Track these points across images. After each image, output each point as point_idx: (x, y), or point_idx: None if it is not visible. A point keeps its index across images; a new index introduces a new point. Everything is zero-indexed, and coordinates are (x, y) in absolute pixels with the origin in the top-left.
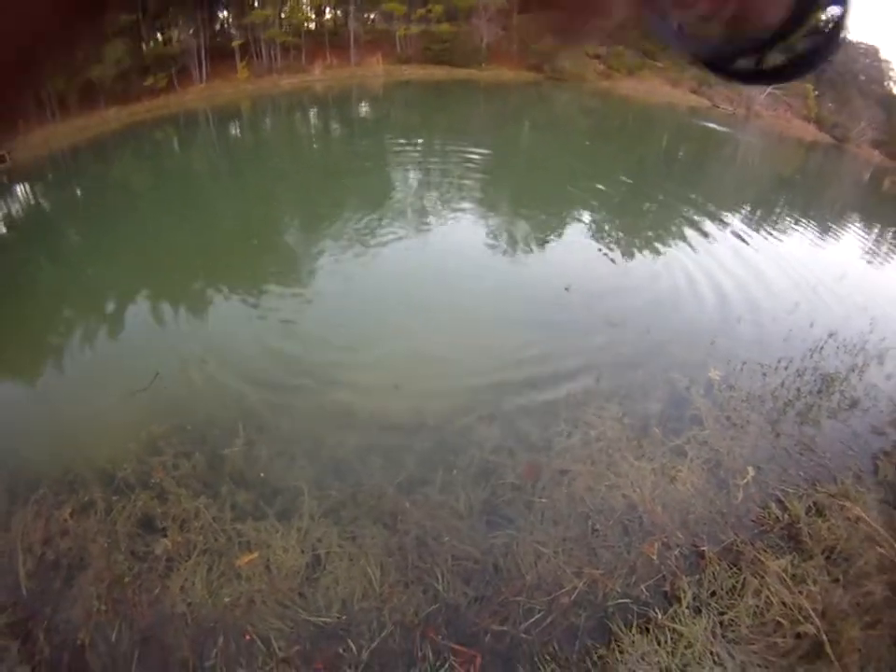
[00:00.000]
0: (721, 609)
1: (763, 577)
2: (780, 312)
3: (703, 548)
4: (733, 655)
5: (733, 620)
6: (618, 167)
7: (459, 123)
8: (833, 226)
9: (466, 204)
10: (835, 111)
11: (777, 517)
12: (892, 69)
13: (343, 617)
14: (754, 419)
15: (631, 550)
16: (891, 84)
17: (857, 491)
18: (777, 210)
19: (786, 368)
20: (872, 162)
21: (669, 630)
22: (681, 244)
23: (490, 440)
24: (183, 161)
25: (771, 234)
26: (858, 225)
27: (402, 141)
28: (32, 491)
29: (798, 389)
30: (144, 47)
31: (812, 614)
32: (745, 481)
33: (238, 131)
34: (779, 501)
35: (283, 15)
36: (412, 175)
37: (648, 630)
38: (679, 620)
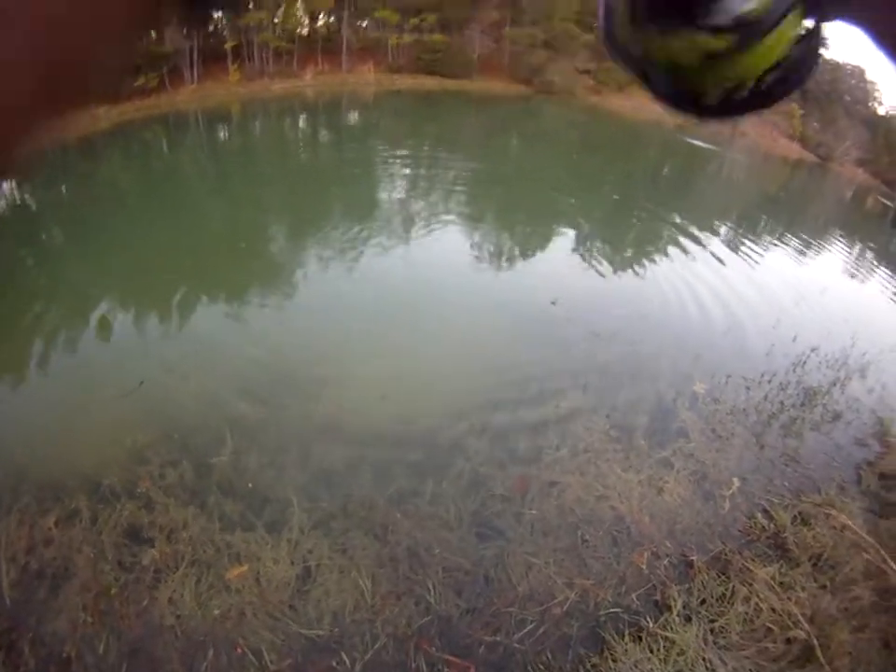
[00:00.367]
0: (711, 617)
1: (751, 584)
2: (764, 326)
3: (691, 557)
4: (724, 661)
5: (723, 627)
6: (605, 182)
7: (449, 134)
8: (816, 242)
9: (453, 216)
10: (820, 130)
11: (764, 526)
12: (877, 90)
13: (336, 629)
14: (739, 432)
15: (621, 560)
16: (876, 104)
17: (841, 501)
18: (762, 226)
19: (769, 381)
20: (855, 181)
21: (661, 638)
22: (667, 258)
23: (479, 452)
24: (172, 162)
25: (755, 250)
26: (840, 241)
27: (391, 150)
28: (15, 499)
29: (782, 402)
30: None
31: (801, 619)
32: (731, 491)
33: (228, 134)
34: (765, 511)
35: (276, 19)
36: (399, 184)
37: (640, 638)
38: (671, 628)
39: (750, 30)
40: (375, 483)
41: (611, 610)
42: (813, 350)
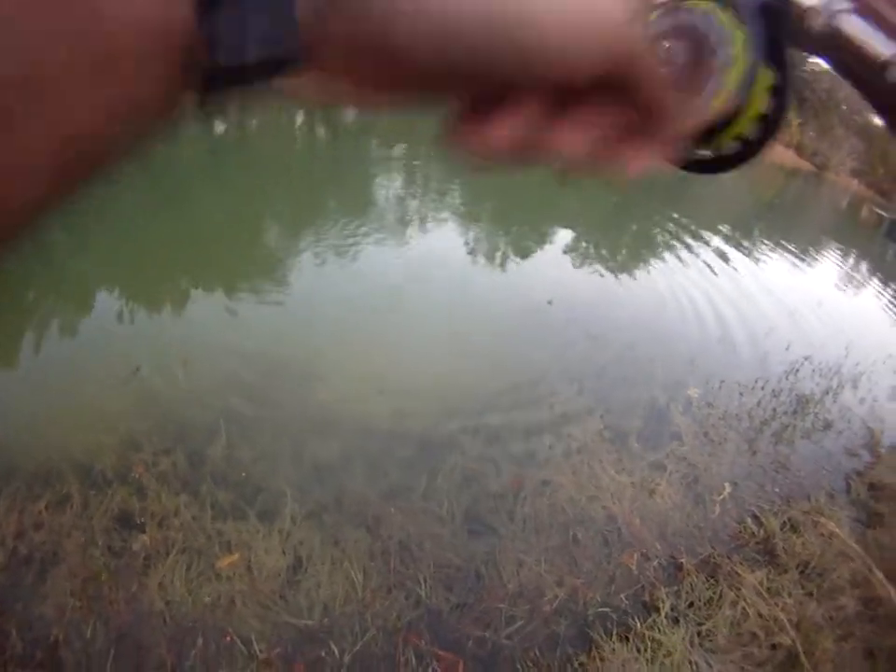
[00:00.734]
0: (698, 620)
1: (739, 589)
2: (758, 333)
3: (681, 560)
4: (710, 664)
5: (710, 630)
6: (602, 183)
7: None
8: (811, 251)
9: (449, 214)
10: (817, 139)
11: (753, 532)
12: None
13: (325, 620)
14: (731, 437)
15: (611, 560)
16: (871, 114)
17: (830, 509)
18: (757, 233)
19: (762, 388)
20: (850, 191)
21: (649, 639)
22: (663, 262)
23: (473, 449)
24: (167, 153)
25: (750, 256)
26: (835, 251)
27: (387, 147)
28: (5, 483)
29: (774, 409)
30: None
31: (787, 626)
32: (722, 496)
33: (222, 127)
34: (755, 517)
35: None
36: (396, 181)
37: (627, 639)
38: (658, 629)
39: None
40: (369, 476)
41: (600, 610)
42: (806, 359)
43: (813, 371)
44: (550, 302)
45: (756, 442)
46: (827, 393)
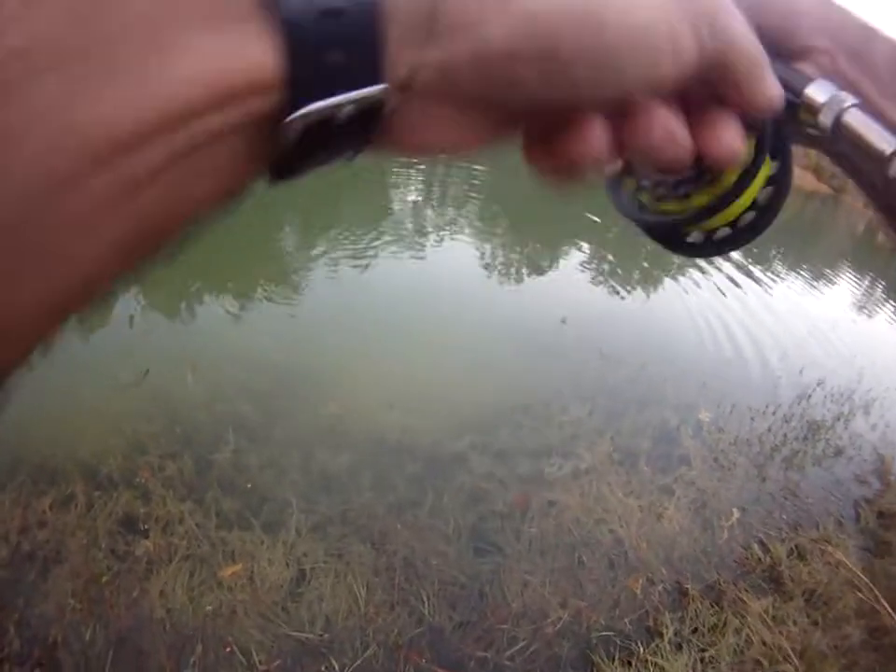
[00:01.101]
0: (702, 646)
1: (744, 616)
2: (771, 356)
3: (686, 586)
4: None
5: (713, 657)
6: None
7: None
8: (827, 274)
9: (464, 227)
10: None
11: (760, 559)
12: None
13: (326, 634)
14: (741, 462)
15: (616, 584)
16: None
17: (838, 537)
18: (773, 255)
19: (774, 413)
20: (867, 214)
21: (651, 664)
22: (676, 282)
23: (481, 466)
24: None
25: (766, 278)
26: (851, 275)
27: (405, 157)
28: (11, 479)
29: (785, 435)
30: None
31: (791, 654)
32: (729, 522)
33: None
34: (762, 543)
35: None
36: (412, 192)
37: (630, 663)
38: (662, 654)
39: (725, 203)
40: (376, 490)
41: (603, 633)
42: (819, 384)
43: (825, 396)
44: (563, 321)
45: (766, 468)
46: (838, 419)
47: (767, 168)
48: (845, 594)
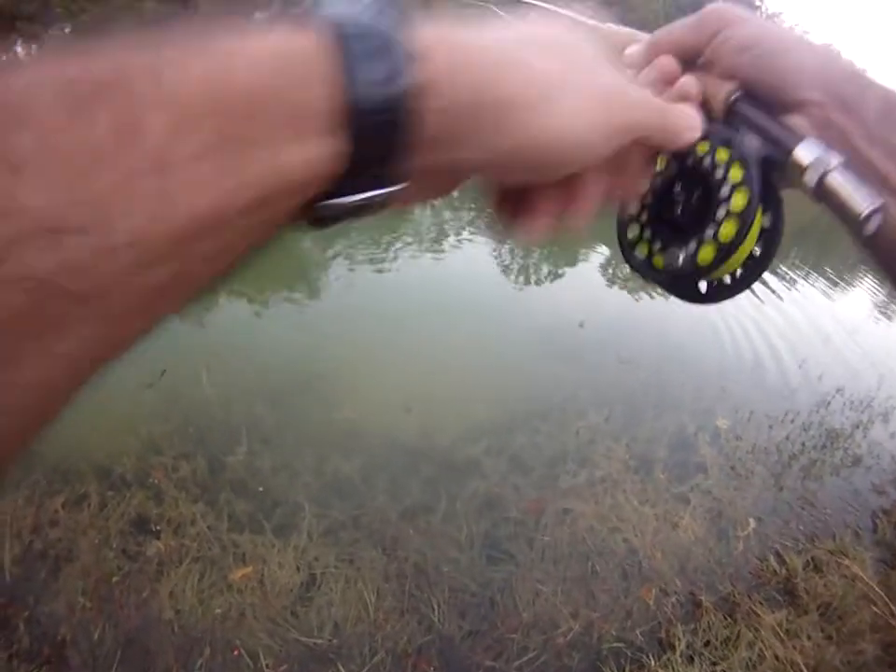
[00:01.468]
0: (713, 660)
1: (757, 630)
2: (790, 362)
3: (700, 597)
4: None
5: (725, 670)
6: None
7: None
8: (846, 279)
9: (483, 228)
10: None
11: (775, 570)
12: None
13: (335, 640)
14: (758, 471)
15: (629, 594)
16: None
17: (855, 549)
18: (791, 258)
19: (792, 421)
20: None
21: None
22: None
23: (496, 472)
24: None
25: (785, 282)
26: (870, 279)
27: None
28: (25, 476)
29: (803, 444)
30: None
31: (804, 669)
32: (745, 532)
33: None
34: (778, 555)
35: None
36: None
37: None
38: (673, 667)
39: (727, 253)
40: (390, 495)
41: (615, 645)
42: (838, 391)
43: (844, 403)
44: (581, 325)
45: (783, 477)
46: (857, 427)
47: (759, 220)
48: (860, 608)
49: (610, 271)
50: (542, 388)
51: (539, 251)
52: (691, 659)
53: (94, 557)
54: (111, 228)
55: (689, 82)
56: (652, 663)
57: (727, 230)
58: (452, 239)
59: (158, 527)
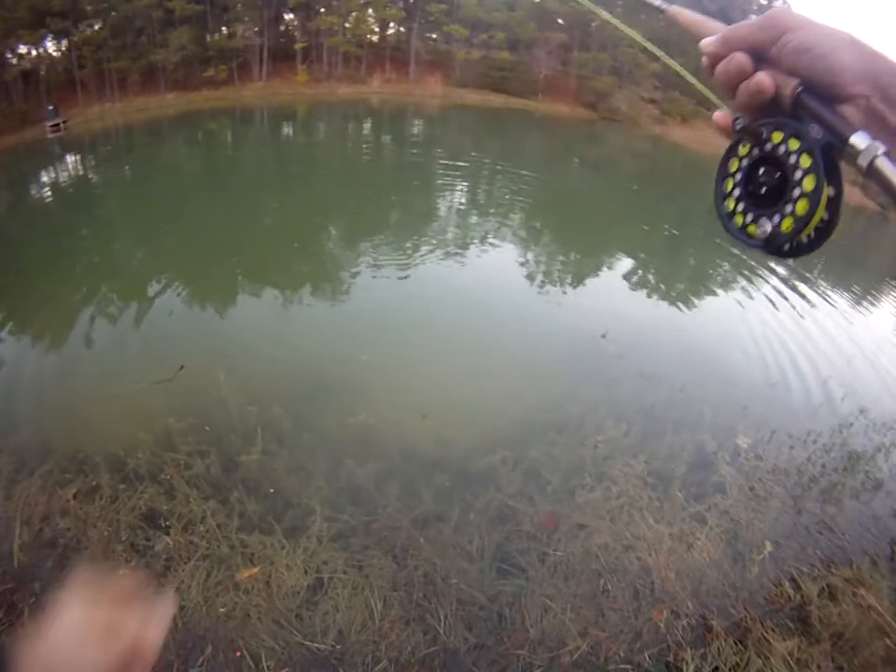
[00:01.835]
0: None
1: (767, 658)
2: (814, 381)
3: (711, 621)
4: None
5: None
6: (662, 215)
7: (511, 153)
8: (872, 295)
9: (507, 234)
10: None
11: (789, 596)
12: None
13: (338, 646)
14: (777, 492)
15: (639, 615)
16: None
17: (871, 577)
18: (816, 274)
19: (814, 442)
20: None
21: None
22: (719, 300)
23: (511, 483)
24: (234, 154)
25: (810, 298)
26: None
27: (453, 164)
28: (40, 463)
29: (824, 466)
30: (208, 37)
31: None
32: (761, 555)
33: (291, 132)
34: (793, 580)
35: (347, 24)
36: (457, 198)
37: None
38: None
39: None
40: (402, 502)
41: (621, 666)
42: (861, 412)
43: (867, 425)
44: (604, 336)
45: (802, 500)
46: (879, 450)
47: (826, 193)
48: (873, 639)
49: (634, 281)
50: (562, 399)
51: (564, 258)
52: None
53: (103, 549)
54: None
55: (764, 77)
56: None
57: (801, 206)
58: (476, 245)
59: (168, 523)
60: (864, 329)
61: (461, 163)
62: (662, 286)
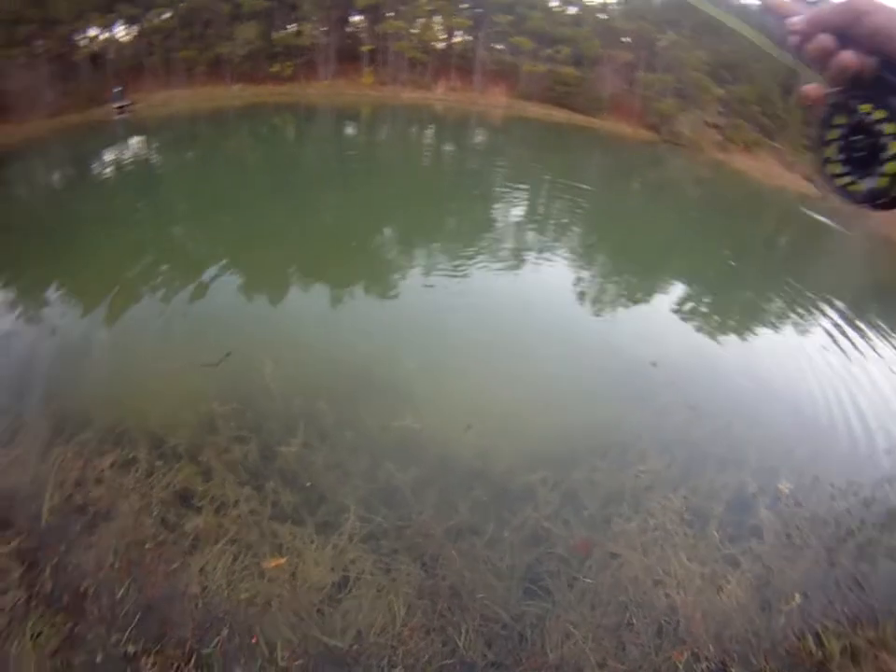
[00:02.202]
0: None
1: None
2: (861, 431)
3: (731, 668)
4: None
5: None
6: (720, 244)
7: (571, 169)
8: None
9: (562, 252)
10: None
11: (811, 651)
12: None
13: (356, 646)
14: (813, 543)
15: (660, 652)
16: None
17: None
18: (874, 317)
19: (855, 493)
20: None
21: None
22: (772, 336)
23: (549, 504)
24: (296, 149)
25: (865, 340)
26: None
27: (512, 176)
28: (78, 431)
29: (862, 520)
30: (274, 34)
31: None
32: (789, 606)
33: (354, 133)
34: (817, 635)
35: (414, 30)
36: (515, 211)
37: None
38: None
39: None
40: (438, 511)
41: None
42: None
43: None
44: (654, 364)
45: (837, 553)
46: None
47: None
48: None
49: (688, 309)
50: (607, 424)
51: (618, 279)
52: None
53: (132, 521)
54: None
55: (846, 56)
56: None
57: (891, 167)
58: (531, 259)
59: (200, 503)
60: None
61: (522, 175)
62: (715, 316)
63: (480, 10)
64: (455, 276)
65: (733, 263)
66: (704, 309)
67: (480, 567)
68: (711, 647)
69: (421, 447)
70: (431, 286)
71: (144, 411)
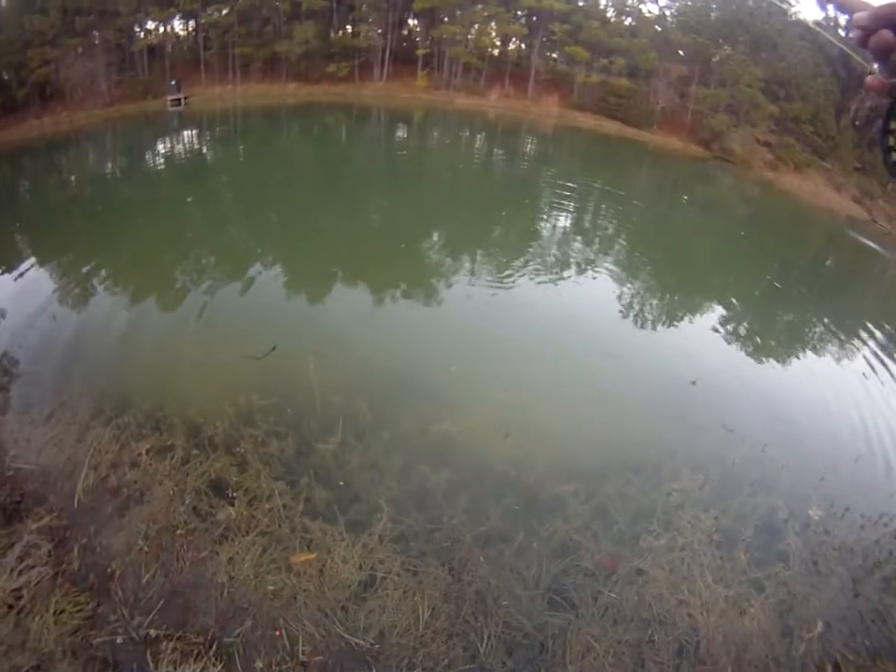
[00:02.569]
0: None
1: None
2: None
3: None
4: None
5: None
6: (765, 265)
7: (621, 181)
8: None
9: (607, 265)
10: None
11: None
12: None
13: (377, 645)
14: (839, 572)
15: None
16: None
17: None
18: None
19: (886, 525)
20: None
21: None
22: (812, 362)
23: (579, 517)
24: (348, 149)
25: None
26: None
27: (562, 186)
28: (117, 414)
29: (891, 552)
30: (332, 34)
31: None
32: (811, 634)
33: (406, 135)
34: (836, 666)
35: (470, 36)
36: (562, 221)
37: None
38: None
39: None
40: (469, 516)
41: None
42: None
43: None
44: (693, 383)
45: (862, 584)
46: None
47: None
48: None
49: (730, 329)
50: (642, 440)
51: (661, 296)
52: None
53: (165, 507)
54: None
55: None
56: None
57: None
58: (576, 271)
59: (234, 494)
60: None
61: (571, 185)
62: (756, 338)
63: (535, 18)
64: (500, 286)
65: (777, 285)
66: (745, 329)
67: (506, 575)
68: (730, 669)
69: (456, 453)
70: (477, 293)
71: (184, 399)
